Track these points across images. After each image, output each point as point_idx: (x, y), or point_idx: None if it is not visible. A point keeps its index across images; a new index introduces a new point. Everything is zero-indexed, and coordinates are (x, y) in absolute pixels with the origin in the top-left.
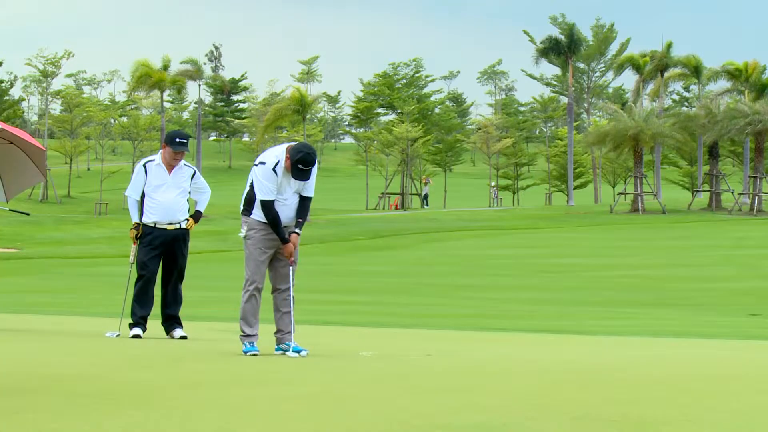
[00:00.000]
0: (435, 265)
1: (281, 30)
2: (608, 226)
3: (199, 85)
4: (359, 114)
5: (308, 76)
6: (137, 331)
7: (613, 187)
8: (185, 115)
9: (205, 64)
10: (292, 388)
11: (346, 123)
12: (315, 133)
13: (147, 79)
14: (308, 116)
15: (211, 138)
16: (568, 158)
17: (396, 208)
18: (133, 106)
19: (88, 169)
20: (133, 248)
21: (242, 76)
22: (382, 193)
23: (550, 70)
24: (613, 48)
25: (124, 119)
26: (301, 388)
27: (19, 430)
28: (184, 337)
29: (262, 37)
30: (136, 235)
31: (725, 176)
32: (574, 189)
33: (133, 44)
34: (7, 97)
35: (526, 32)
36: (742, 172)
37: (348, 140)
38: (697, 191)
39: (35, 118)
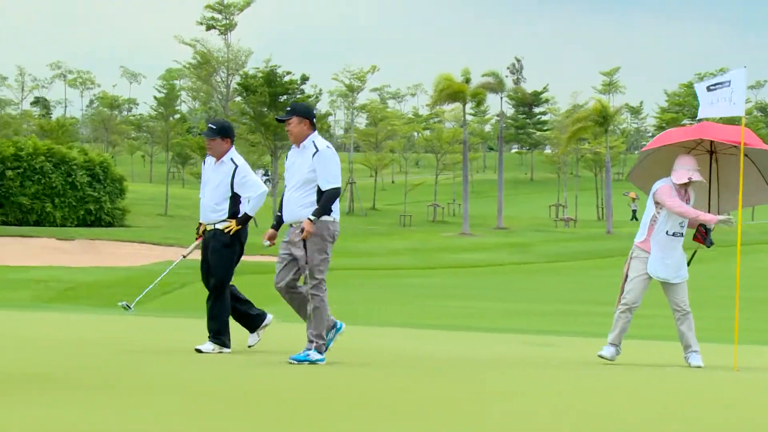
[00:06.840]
0: None
1: (585, 41)
2: None
3: (501, 98)
4: (664, 125)
5: (610, 87)
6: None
7: None
8: (487, 127)
9: (507, 76)
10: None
11: (650, 134)
12: (617, 144)
13: (448, 91)
14: (610, 128)
15: (513, 150)
16: None
17: None
18: (436, 120)
19: (393, 182)
20: (194, 244)
21: (544, 88)
22: None
23: None
24: None
25: (428, 132)
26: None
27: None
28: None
29: (565, 49)
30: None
31: None
32: None
33: (437, 58)
34: (314, 111)
35: None
36: None
37: None
38: None
39: (341, 132)
